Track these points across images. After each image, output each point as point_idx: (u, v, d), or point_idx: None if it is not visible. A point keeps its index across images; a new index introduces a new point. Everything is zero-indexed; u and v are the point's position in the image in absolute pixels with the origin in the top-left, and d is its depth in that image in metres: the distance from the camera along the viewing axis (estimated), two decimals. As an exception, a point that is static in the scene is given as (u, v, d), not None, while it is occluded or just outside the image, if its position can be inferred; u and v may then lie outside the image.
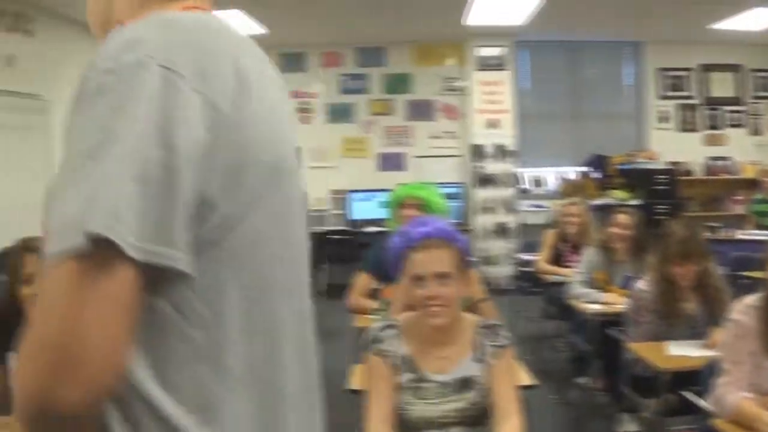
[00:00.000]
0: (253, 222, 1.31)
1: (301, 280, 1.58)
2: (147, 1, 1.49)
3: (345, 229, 12.02)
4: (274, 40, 11.71)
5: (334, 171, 12.59)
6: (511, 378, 3.11)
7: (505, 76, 12.05)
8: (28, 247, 3.16)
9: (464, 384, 3.06)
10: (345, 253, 11.65)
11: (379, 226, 11.65)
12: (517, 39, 11.95)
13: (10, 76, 8.28)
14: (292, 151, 1.47)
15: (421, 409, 3.04)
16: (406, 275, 3.16)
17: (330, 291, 11.95)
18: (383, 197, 11.62)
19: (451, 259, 3.10)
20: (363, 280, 5.66)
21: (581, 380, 6.53)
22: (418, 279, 3.09)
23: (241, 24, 10.36)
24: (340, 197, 12.34)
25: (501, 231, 11.85)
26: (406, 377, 3.08)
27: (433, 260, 3.09)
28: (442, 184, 9.82)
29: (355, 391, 3.79)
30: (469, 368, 3.08)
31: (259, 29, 10.75)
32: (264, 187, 1.33)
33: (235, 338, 1.30)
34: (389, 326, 3.18)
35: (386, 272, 4.54)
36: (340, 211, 12.30)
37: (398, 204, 5.64)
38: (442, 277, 3.07)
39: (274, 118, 1.39)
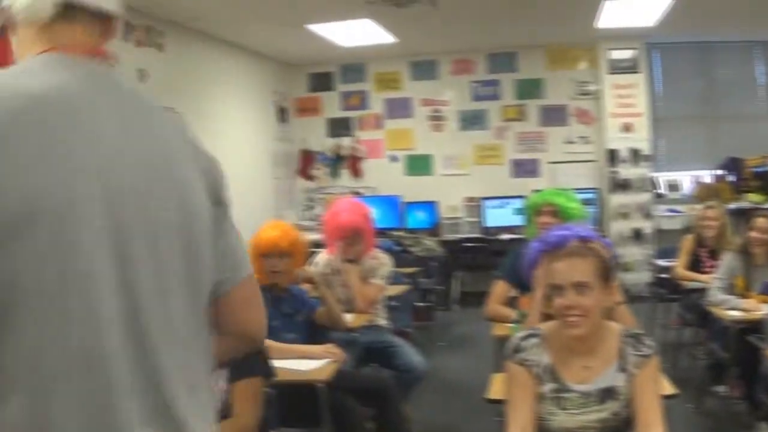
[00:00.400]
0: None
1: (101, 315, 1.47)
2: (22, 50, 1.64)
3: (479, 237, 11.88)
4: (404, 49, 11.74)
5: (467, 178, 12.49)
6: (655, 388, 3.00)
7: (637, 79, 11.74)
8: None
9: (607, 394, 2.98)
10: (479, 260, 11.54)
11: (514, 233, 11.55)
12: (648, 41, 11.65)
13: (143, 90, 8.38)
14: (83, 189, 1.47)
15: (562, 419, 2.99)
16: (545, 284, 3.04)
17: (464, 299, 11.89)
18: (517, 204, 11.59)
19: (590, 269, 3.01)
20: (500, 288, 5.54)
21: (719, 388, 6.31)
22: (557, 288, 3.01)
23: (372, 34, 10.37)
24: (474, 205, 12.20)
25: (636, 237, 11.54)
26: (547, 387, 3.02)
27: (572, 269, 3.00)
28: (577, 190, 9.63)
29: (493, 401, 3.73)
30: (612, 378, 3.00)
31: (389, 38, 10.77)
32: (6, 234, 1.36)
33: None
34: (531, 335, 3.12)
35: (523, 280, 4.44)
36: (474, 219, 12.14)
37: (534, 211, 5.56)
38: (580, 286, 2.98)
39: (54, 162, 1.43)
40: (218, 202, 1.93)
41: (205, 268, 1.76)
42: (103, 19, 1.72)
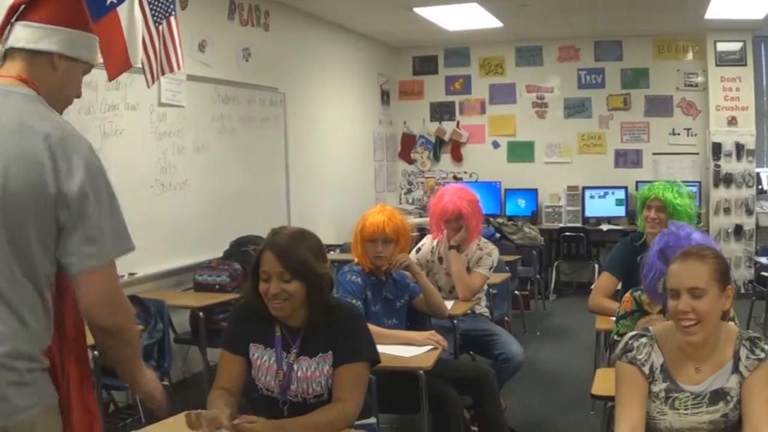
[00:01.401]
0: None
1: None
2: None
3: (579, 226, 11.76)
4: (509, 34, 11.68)
5: (569, 167, 12.37)
6: (764, 392, 2.92)
7: (744, 72, 11.45)
8: (269, 242, 3.18)
9: (718, 395, 2.94)
10: (578, 250, 11.43)
11: (614, 224, 11.42)
12: (755, 34, 11.38)
13: (247, 69, 8.53)
14: None
15: (671, 419, 2.96)
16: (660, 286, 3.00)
17: (562, 289, 11.81)
18: (619, 194, 11.45)
19: (707, 273, 2.94)
20: (605, 280, 5.43)
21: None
22: (673, 291, 2.94)
23: (478, 18, 10.31)
24: (575, 194, 12.06)
25: (737, 233, 11.29)
26: (659, 387, 2.99)
27: (687, 273, 2.94)
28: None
29: (598, 397, 3.73)
30: (725, 380, 2.95)
31: (495, 23, 10.69)
32: None
33: None
34: (641, 335, 3.08)
35: (629, 273, 4.38)
36: (575, 208, 12.01)
37: (643, 204, 5.48)
38: (696, 291, 2.91)
39: None
40: (69, 193, 2.21)
41: (30, 249, 2.20)
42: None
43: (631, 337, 3.08)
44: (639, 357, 3.00)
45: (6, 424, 2.16)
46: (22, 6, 2.38)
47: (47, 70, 2.39)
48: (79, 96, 2.63)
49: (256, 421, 2.85)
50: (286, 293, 3.10)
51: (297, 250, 3.15)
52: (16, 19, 2.38)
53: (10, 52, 2.38)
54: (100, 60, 2.66)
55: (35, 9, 2.38)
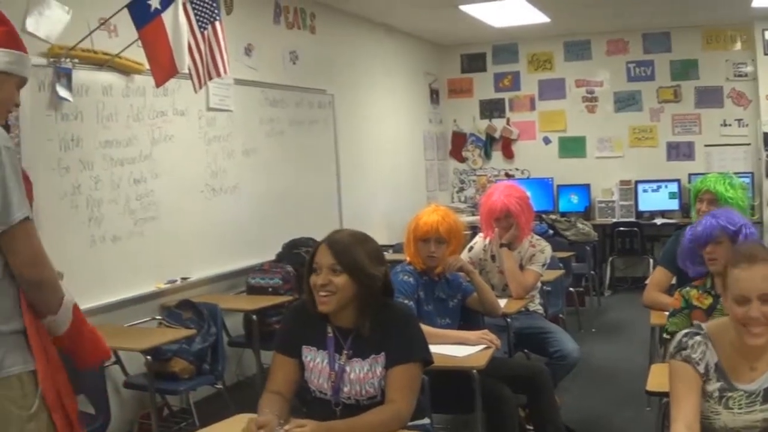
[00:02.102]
0: None
1: None
2: None
3: (632, 221, 11.64)
4: (557, 29, 11.61)
5: (621, 161, 12.26)
6: None
7: (793, 61, 11.29)
8: (326, 238, 3.21)
9: None
10: (633, 245, 11.34)
11: (668, 217, 11.31)
12: (805, 21, 11.19)
13: (294, 72, 8.55)
14: None
15: (726, 418, 2.91)
16: (728, 291, 2.91)
17: (617, 285, 11.72)
18: (672, 188, 11.33)
19: None
20: (660, 275, 5.36)
21: None
22: (740, 297, 2.86)
23: (525, 13, 10.27)
24: (628, 188, 11.96)
25: (791, 224, 11.12)
26: (713, 386, 2.94)
27: (758, 279, 2.85)
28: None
29: (653, 393, 3.70)
30: None
31: (542, 18, 10.64)
32: None
33: None
34: (695, 333, 3.02)
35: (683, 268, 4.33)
36: (628, 202, 11.90)
37: (695, 197, 5.43)
38: (766, 297, 2.84)
39: None
40: None
41: None
42: None
43: (685, 335, 3.02)
44: (694, 356, 2.94)
45: None
46: None
47: None
48: (17, 105, 3.04)
49: (304, 425, 2.83)
50: (334, 285, 3.10)
51: (351, 246, 3.17)
52: None
53: None
54: (27, 74, 2.99)
55: None
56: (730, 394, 2.90)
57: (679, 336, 3.03)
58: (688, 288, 4.15)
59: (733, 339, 2.92)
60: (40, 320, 2.82)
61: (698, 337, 2.98)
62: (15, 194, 2.66)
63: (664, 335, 4.18)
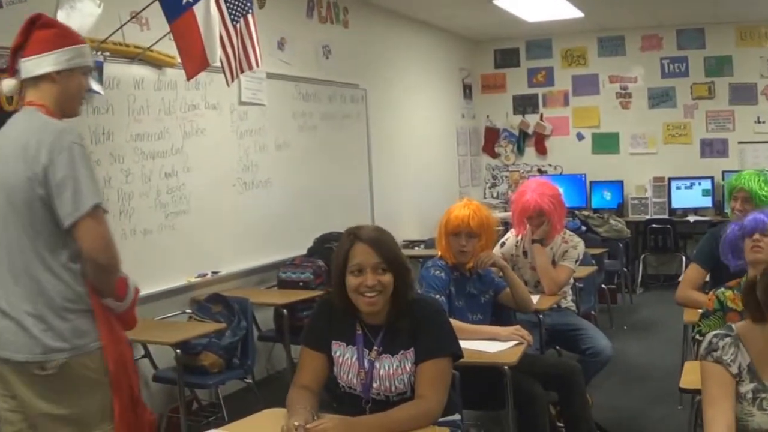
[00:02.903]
0: None
1: None
2: None
3: (666, 218, 11.56)
4: (591, 24, 11.56)
5: (655, 157, 12.16)
6: None
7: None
8: (357, 236, 3.17)
9: None
10: (666, 243, 11.26)
11: (702, 215, 11.23)
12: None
13: (327, 67, 8.55)
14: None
15: (760, 420, 2.88)
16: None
17: (649, 282, 11.66)
18: (706, 185, 11.25)
19: None
20: (693, 272, 5.30)
21: None
22: None
23: (559, 8, 10.22)
24: (661, 185, 11.87)
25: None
26: (746, 387, 2.91)
27: None
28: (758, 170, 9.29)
29: (687, 390, 3.67)
30: None
31: (576, 13, 10.59)
32: None
33: None
34: (725, 335, 2.98)
35: (718, 264, 4.29)
36: (661, 200, 11.82)
37: (729, 194, 5.39)
38: None
39: None
40: (38, 174, 2.99)
41: (31, 214, 3.04)
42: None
43: (715, 336, 2.98)
44: (725, 357, 2.90)
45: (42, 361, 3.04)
46: (19, 46, 3.24)
47: (50, 86, 3.22)
48: (88, 89, 3.64)
49: (326, 428, 2.80)
50: (382, 285, 3.08)
51: (389, 243, 3.17)
52: (19, 57, 3.24)
53: (24, 83, 3.24)
54: (89, 62, 3.40)
55: (28, 45, 3.22)
56: (764, 395, 2.87)
57: (708, 337, 3.00)
58: (723, 289, 4.09)
59: (765, 340, 2.89)
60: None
61: (728, 339, 2.94)
62: (85, 185, 3.01)
63: (697, 336, 4.13)
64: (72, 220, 2.98)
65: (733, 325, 3.03)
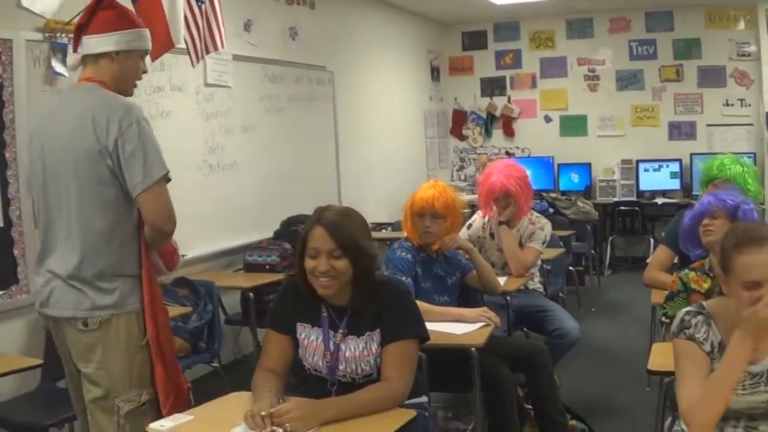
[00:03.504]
0: None
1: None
2: None
3: (633, 200, 11.61)
4: (559, 6, 11.59)
5: (623, 140, 12.21)
6: None
7: (797, 40, 11.20)
8: (318, 219, 3.15)
9: None
10: (633, 225, 11.31)
11: (669, 197, 11.28)
12: (808, 0, 11.09)
13: (294, 48, 8.50)
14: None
15: (730, 399, 2.84)
16: (734, 277, 2.85)
17: (617, 264, 11.70)
18: (673, 167, 11.30)
19: None
20: (661, 254, 5.36)
21: None
22: (751, 283, 2.79)
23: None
24: (629, 167, 11.92)
25: (795, 206, 11.05)
26: (716, 365, 2.89)
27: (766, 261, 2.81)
28: (734, 154, 9.31)
29: (654, 372, 3.71)
30: None
31: (545, -5, 10.58)
32: None
33: None
34: (697, 312, 2.99)
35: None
36: (629, 182, 11.86)
37: (708, 179, 5.37)
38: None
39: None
40: (108, 146, 3.24)
41: (94, 183, 3.28)
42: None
43: (687, 314, 2.98)
44: (698, 336, 2.91)
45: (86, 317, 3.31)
46: (83, 24, 3.46)
47: (109, 64, 3.44)
48: (145, 71, 3.64)
49: (290, 410, 2.77)
50: (335, 270, 3.06)
51: (348, 226, 3.12)
52: (82, 34, 3.46)
53: (84, 58, 3.49)
54: (147, 46, 3.61)
55: (91, 24, 3.44)
56: None
57: (680, 314, 3.00)
58: (686, 270, 4.13)
59: (735, 319, 2.85)
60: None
61: (701, 317, 2.95)
62: (153, 156, 3.29)
63: (663, 319, 4.16)
64: (142, 188, 3.24)
65: (705, 303, 3.04)
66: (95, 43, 3.43)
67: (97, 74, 3.43)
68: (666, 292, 4.26)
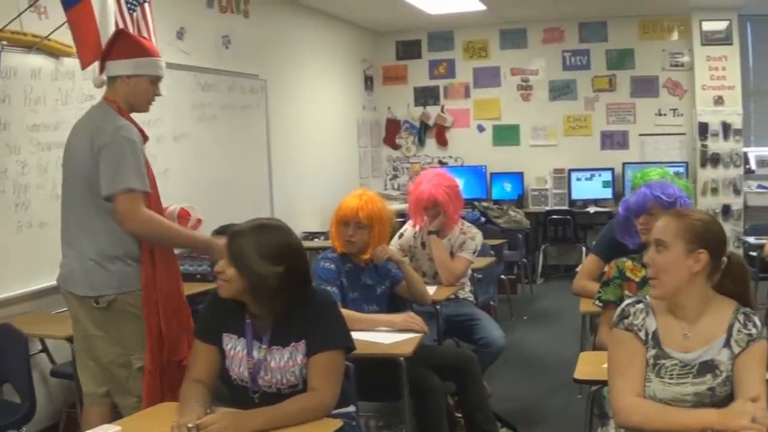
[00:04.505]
0: None
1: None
2: None
3: (566, 209, 11.73)
4: (493, 17, 11.67)
5: (555, 149, 12.34)
6: (759, 371, 2.88)
7: (730, 51, 11.38)
8: (232, 229, 3.20)
9: (707, 368, 2.91)
10: (565, 233, 11.42)
11: (602, 206, 11.40)
12: (741, 12, 11.30)
13: (227, 57, 8.48)
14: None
15: (655, 387, 2.92)
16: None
17: (550, 272, 11.80)
18: (605, 176, 11.43)
19: (673, 230, 2.96)
20: (590, 263, 5.37)
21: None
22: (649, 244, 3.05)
23: (461, 1, 10.30)
24: (561, 176, 12.04)
25: (726, 213, 11.22)
26: (649, 353, 2.97)
27: (658, 226, 3.02)
28: (666, 164, 9.44)
29: (580, 381, 3.75)
30: (716, 352, 2.92)
31: (478, 5, 10.67)
32: None
33: None
34: (638, 302, 3.08)
35: (616, 256, 4.36)
36: (561, 191, 11.99)
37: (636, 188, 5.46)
38: (659, 244, 2.97)
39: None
40: (95, 156, 3.93)
41: (91, 184, 3.96)
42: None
43: (628, 304, 3.07)
44: (635, 322, 2.99)
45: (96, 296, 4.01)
46: (107, 51, 4.29)
47: (122, 86, 4.19)
48: (157, 93, 4.39)
49: (216, 421, 2.80)
50: (225, 275, 3.09)
51: (242, 240, 3.11)
52: (106, 60, 4.26)
53: (108, 79, 4.24)
54: (157, 72, 4.36)
55: (112, 51, 4.24)
56: (663, 361, 2.93)
57: (623, 305, 3.09)
58: (624, 258, 4.21)
59: (667, 304, 3.00)
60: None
61: (641, 305, 3.04)
62: (124, 169, 3.91)
63: (596, 303, 4.24)
64: (107, 192, 3.92)
65: (648, 296, 3.10)
66: (112, 67, 4.21)
67: (112, 94, 4.19)
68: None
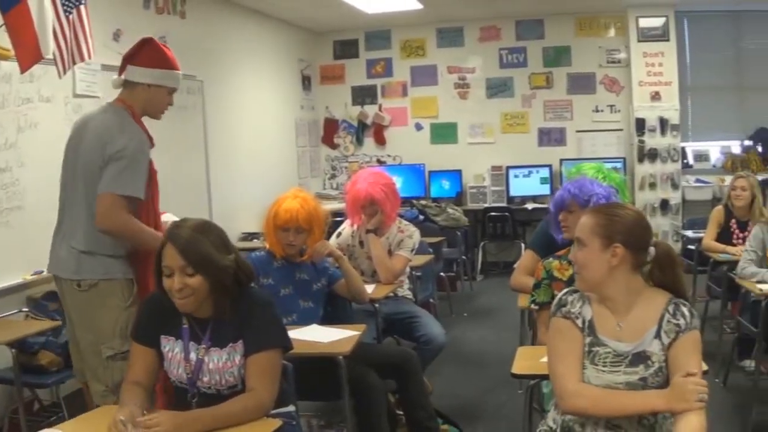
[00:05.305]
0: None
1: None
2: None
3: (504, 206, 11.82)
4: (430, 16, 11.70)
5: (493, 147, 12.42)
6: (694, 357, 2.92)
7: (667, 47, 11.53)
8: (170, 236, 3.12)
9: (639, 358, 2.94)
10: (504, 230, 11.51)
11: (539, 202, 11.49)
12: (677, 9, 11.47)
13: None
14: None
15: (590, 373, 2.97)
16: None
17: (488, 269, 11.86)
18: (543, 173, 11.52)
19: (589, 227, 3.06)
20: (527, 259, 5.39)
21: (746, 363, 6.28)
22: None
23: (399, 0, 10.28)
24: (499, 173, 12.11)
25: (664, 207, 11.40)
26: (586, 340, 3.03)
27: (579, 224, 3.13)
28: (604, 159, 9.55)
29: (518, 376, 3.77)
30: (648, 343, 2.96)
31: (415, 4, 10.70)
32: None
33: None
34: (575, 291, 3.15)
35: (553, 251, 4.40)
36: (500, 188, 12.06)
37: None
38: (579, 241, 3.09)
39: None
40: (105, 160, 4.07)
41: (92, 183, 4.11)
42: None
43: (565, 294, 3.14)
44: (573, 310, 3.06)
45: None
46: (132, 55, 4.36)
47: (142, 92, 4.34)
48: (170, 104, 4.56)
49: (160, 423, 2.79)
50: (190, 288, 3.04)
51: (200, 243, 3.08)
52: (129, 63, 4.35)
53: (125, 82, 4.36)
54: (176, 85, 4.57)
55: (138, 57, 4.34)
56: (597, 348, 2.98)
57: (560, 294, 3.16)
58: (550, 259, 4.25)
59: (604, 297, 3.06)
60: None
61: (577, 294, 3.11)
62: (125, 177, 4.08)
63: (532, 306, 4.28)
64: (101, 191, 4.06)
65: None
66: (138, 73, 4.32)
67: (130, 98, 4.34)
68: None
